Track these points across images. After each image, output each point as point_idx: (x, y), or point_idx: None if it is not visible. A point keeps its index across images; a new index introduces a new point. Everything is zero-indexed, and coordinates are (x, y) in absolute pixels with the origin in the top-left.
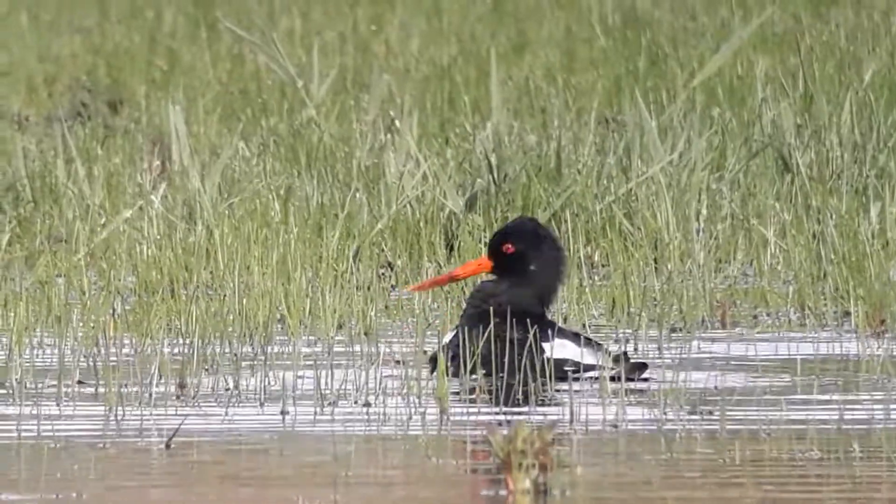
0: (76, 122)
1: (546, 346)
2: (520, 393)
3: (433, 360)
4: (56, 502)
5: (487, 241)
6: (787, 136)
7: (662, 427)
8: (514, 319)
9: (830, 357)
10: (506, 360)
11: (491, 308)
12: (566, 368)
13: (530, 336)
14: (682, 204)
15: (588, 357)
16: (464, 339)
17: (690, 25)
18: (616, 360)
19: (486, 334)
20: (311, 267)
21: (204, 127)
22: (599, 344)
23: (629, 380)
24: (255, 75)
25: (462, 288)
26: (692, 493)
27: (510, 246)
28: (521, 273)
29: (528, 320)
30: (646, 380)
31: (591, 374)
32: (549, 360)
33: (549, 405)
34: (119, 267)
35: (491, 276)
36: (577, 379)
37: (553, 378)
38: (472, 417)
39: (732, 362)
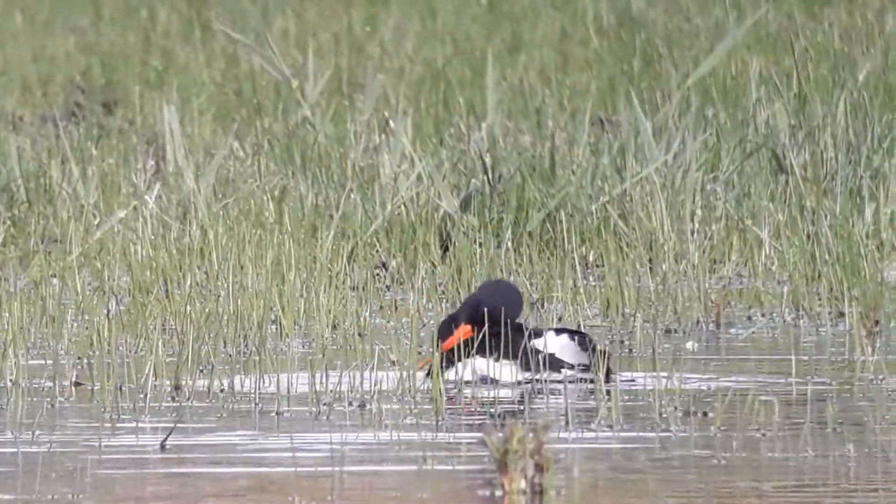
0: (70, 123)
1: (539, 342)
2: (516, 392)
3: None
4: (52, 503)
5: (466, 312)
6: (782, 137)
7: (657, 428)
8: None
9: (825, 357)
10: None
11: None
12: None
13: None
14: (676, 204)
15: (579, 354)
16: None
17: (684, 26)
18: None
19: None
20: (305, 267)
21: (198, 127)
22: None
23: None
24: (250, 75)
25: (458, 289)
26: (687, 494)
27: (486, 308)
28: (500, 325)
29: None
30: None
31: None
32: (544, 355)
33: (545, 405)
34: (113, 267)
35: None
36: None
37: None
38: (467, 418)
39: (727, 363)
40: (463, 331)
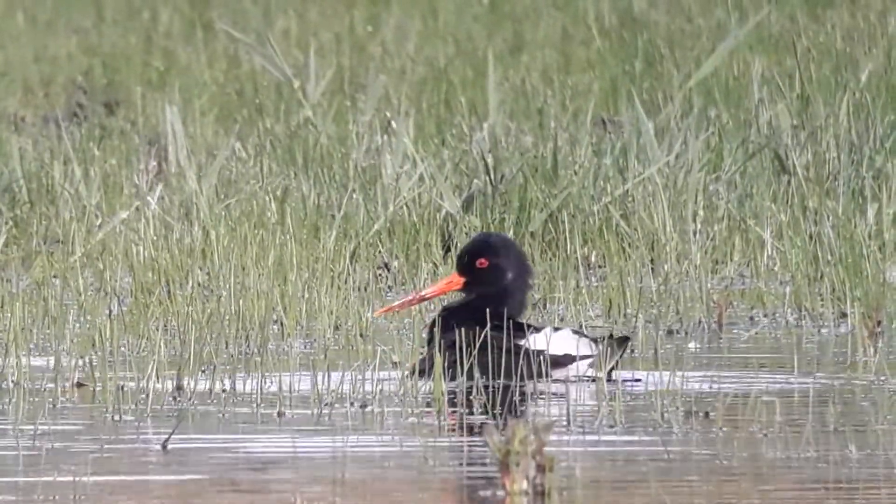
0: (72, 123)
1: (542, 339)
2: (518, 392)
3: (423, 368)
4: None
5: (455, 258)
6: (784, 137)
7: (659, 428)
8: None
9: (827, 358)
10: (503, 361)
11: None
12: (564, 360)
13: (526, 333)
14: (678, 205)
15: (583, 348)
16: (460, 342)
17: (686, 27)
18: (602, 340)
19: (480, 337)
20: (307, 268)
21: (200, 128)
22: (584, 334)
23: (618, 354)
24: (252, 76)
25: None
26: (689, 495)
27: (484, 260)
28: (495, 286)
29: (510, 322)
30: (630, 377)
31: (587, 362)
32: (546, 354)
33: (546, 406)
34: (115, 268)
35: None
36: (580, 376)
37: (549, 371)
38: (469, 418)
39: (729, 363)
40: (455, 279)
